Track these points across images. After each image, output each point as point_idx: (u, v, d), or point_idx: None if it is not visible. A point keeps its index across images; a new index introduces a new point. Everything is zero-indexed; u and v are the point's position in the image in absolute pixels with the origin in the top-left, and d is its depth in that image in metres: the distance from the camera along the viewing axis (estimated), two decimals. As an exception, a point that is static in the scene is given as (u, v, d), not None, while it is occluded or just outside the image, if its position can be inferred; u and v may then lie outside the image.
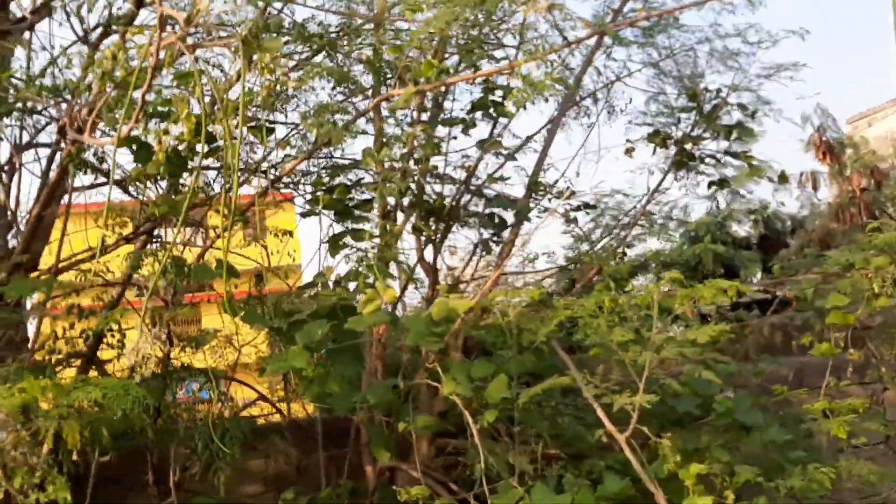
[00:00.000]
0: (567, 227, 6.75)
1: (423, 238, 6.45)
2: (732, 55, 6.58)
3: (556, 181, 7.20)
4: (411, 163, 6.55)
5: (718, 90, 6.80)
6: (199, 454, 4.66)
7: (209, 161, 5.12)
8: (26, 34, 6.13)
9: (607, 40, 7.85)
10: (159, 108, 4.61)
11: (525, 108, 8.42)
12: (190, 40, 4.26)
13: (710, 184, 7.05)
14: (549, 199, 7.06)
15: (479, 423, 4.49)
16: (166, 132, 3.64)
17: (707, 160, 6.96)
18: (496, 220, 6.55)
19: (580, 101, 8.32)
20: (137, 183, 5.46)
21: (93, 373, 5.52)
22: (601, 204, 8.36)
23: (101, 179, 6.54)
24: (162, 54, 4.35)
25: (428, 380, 4.85)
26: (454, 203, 6.44)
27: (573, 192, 7.15)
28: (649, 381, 4.67)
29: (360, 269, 5.45)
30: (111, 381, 3.99)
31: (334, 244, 5.61)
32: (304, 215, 5.79)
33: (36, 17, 5.88)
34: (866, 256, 5.12)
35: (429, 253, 7.05)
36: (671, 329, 4.28)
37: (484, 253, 6.71)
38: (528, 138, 7.28)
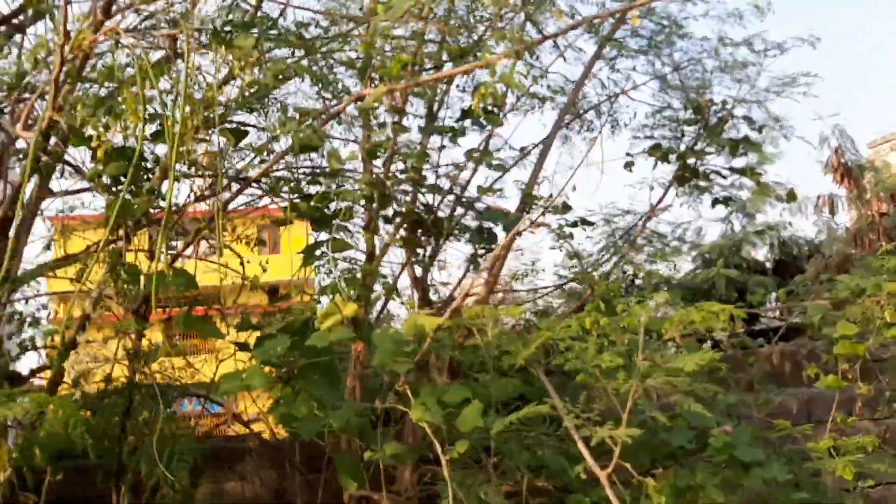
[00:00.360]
0: (556, 243, 6.36)
1: (412, 252, 6.12)
2: (740, 66, 6.20)
3: (552, 195, 6.87)
4: (396, 171, 6.28)
5: (724, 102, 6.43)
6: (144, 478, 4.31)
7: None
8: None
9: (611, 51, 7.55)
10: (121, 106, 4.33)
11: (518, 114, 8.25)
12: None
13: (715, 201, 6.66)
14: (544, 214, 6.71)
15: (448, 455, 4.11)
16: (107, 127, 3.33)
17: (711, 176, 6.57)
18: (486, 234, 6.20)
19: (582, 114, 8.00)
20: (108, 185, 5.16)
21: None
22: (604, 219, 8.06)
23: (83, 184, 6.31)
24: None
25: (397, 405, 4.48)
26: (442, 215, 6.11)
27: (568, 207, 6.79)
28: (637, 411, 4.30)
29: (339, 282, 5.12)
30: (41, 398, 3.65)
31: (309, 255, 5.26)
32: (277, 223, 5.46)
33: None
34: (878, 282, 4.71)
35: (419, 268, 6.78)
36: (665, 355, 3.89)
37: (473, 268, 6.35)
38: (523, 150, 6.95)
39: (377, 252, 6.29)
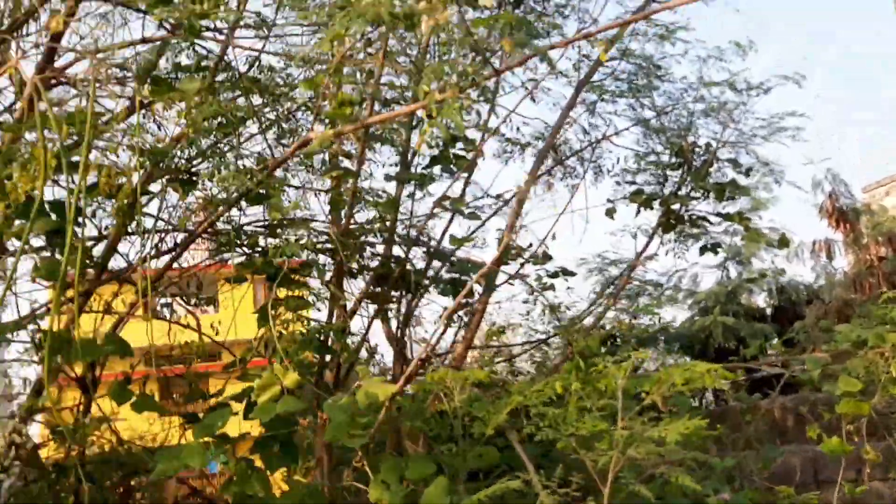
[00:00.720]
0: (531, 297, 5.97)
1: (381, 307, 5.73)
2: (723, 108, 5.89)
3: (531, 244, 6.50)
4: (366, 222, 5.94)
5: (708, 145, 6.11)
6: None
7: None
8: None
9: (590, 95, 7.28)
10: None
11: (500, 162, 7.95)
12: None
13: (703, 248, 6.29)
14: (522, 265, 6.34)
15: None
16: (9, 178, 2.97)
17: (699, 222, 6.21)
18: (461, 288, 5.81)
19: (564, 160, 7.70)
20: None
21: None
22: (589, 270, 7.68)
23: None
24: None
25: (354, 482, 4.04)
26: (417, 267, 5.74)
27: (548, 257, 6.42)
28: (625, 480, 3.85)
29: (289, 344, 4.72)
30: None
31: (263, 315, 4.86)
32: (231, 281, 5.07)
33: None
34: (881, 333, 4.31)
35: (394, 324, 6.38)
36: (648, 420, 3.47)
37: (446, 324, 5.94)
38: (499, 196, 6.61)
39: (347, 309, 5.93)
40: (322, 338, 5.09)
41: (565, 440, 3.56)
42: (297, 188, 5.62)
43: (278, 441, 4.52)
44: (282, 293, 5.02)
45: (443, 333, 6.37)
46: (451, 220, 6.60)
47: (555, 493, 3.67)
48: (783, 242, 6.00)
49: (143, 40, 5.06)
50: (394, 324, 6.25)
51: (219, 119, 4.44)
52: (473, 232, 6.71)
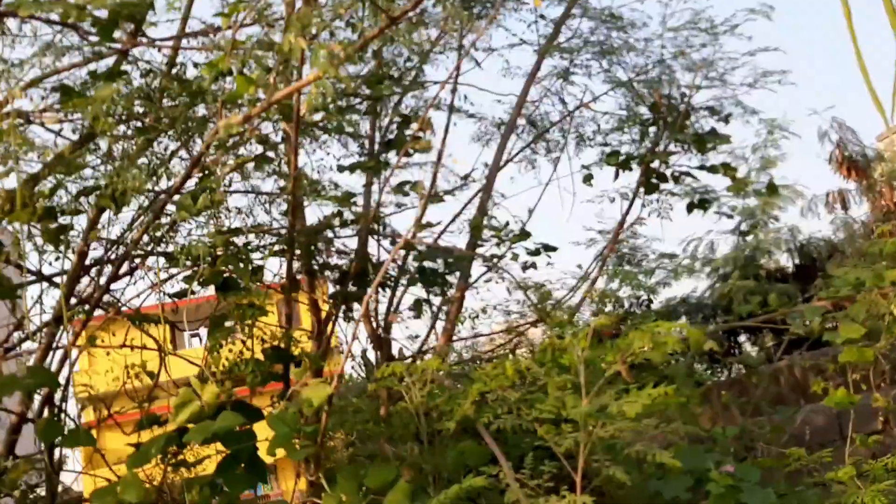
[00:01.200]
0: (496, 276, 5.58)
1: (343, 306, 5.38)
2: (690, 51, 5.46)
3: (507, 224, 6.11)
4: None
5: (682, 94, 5.68)
6: None
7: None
8: None
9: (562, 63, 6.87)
10: None
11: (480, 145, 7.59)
12: None
13: (690, 206, 5.87)
14: (500, 244, 5.95)
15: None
16: None
17: (681, 179, 5.79)
18: (432, 277, 5.45)
19: (542, 134, 7.31)
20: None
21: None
22: (574, 243, 7.27)
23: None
24: None
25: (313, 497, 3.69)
26: (371, 261, 5.38)
27: (527, 234, 6.02)
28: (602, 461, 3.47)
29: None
30: None
31: (216, 328, 4.54)
32: (174, 296, 4.75)
33: None
34: (879, 271, 3.89)
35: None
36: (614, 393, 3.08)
37: (416, 315, 5.59)
38: (465, 177, 6.24)
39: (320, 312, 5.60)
40: (280, 346, 4.75)
41: (529, 424, 3.18)
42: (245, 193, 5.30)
43: (242, 460, 4.19)
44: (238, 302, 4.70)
45: (430, 332, 6.04)
46: (423, 208, 6.26)
47: (524, 485, 3.30)
48: (771, 189, 5.56)
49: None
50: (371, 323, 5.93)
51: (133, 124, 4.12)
52: (455, 218, 6.37)
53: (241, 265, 4.04)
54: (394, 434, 3.84)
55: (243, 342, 4.62)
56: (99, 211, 4.52)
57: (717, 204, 6.21)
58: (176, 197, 4.26)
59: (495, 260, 5.83)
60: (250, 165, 5.05)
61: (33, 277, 4.74)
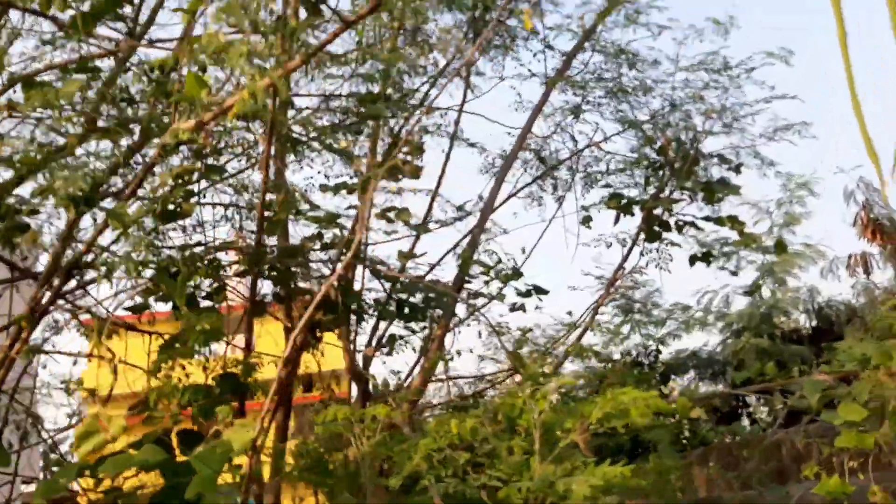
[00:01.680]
0: (474, 317, 5.22)
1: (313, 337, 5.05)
2: (704, 93, 5.12)
3: (500, 261, 5.77)
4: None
5: (693, 139, 5.34)
6: None
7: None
8: None
9: (572, 98, 6.57)
10: None
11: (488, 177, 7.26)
12: None
13: (693, 258, 5.49)
14: (488, 283, 5.61)
15: None
16: None
17: (685, 228, 5.43)
18: (409, 311, 5.10)
19: (552, 170, 6.99)
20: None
21: None
22: (572, 287, 6.90)
23: None
24: None
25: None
26: (348, 289, 5.05)
27: (519, 273, 5.68)
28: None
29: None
30: None
31: (166, 350, 4.22)
32: (132, 310, 4.45)
33: None
34: (887, 349, 3.50)
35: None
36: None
37: (387, 352, 5.24)
38: (460, 208, 5.93)
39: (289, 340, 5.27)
40: (235, 373, 4.42)
41: (473, 493, 2.82)
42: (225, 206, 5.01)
43: (179, 495, 3.86)
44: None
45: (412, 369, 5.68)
46: (416, 239, 5.95)
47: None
48: (780, 247, 5.19)
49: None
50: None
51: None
52: (450, 251, 6.06)
53: (174, 283, 3.71)
54: (335, 485, 3.49)
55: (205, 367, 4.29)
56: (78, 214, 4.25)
57: (731, 258, 5.86)
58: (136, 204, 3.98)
59: (483, 298, 5.50)
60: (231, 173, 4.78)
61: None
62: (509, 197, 6.74)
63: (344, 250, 4.74)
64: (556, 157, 6.94)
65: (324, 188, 5.10)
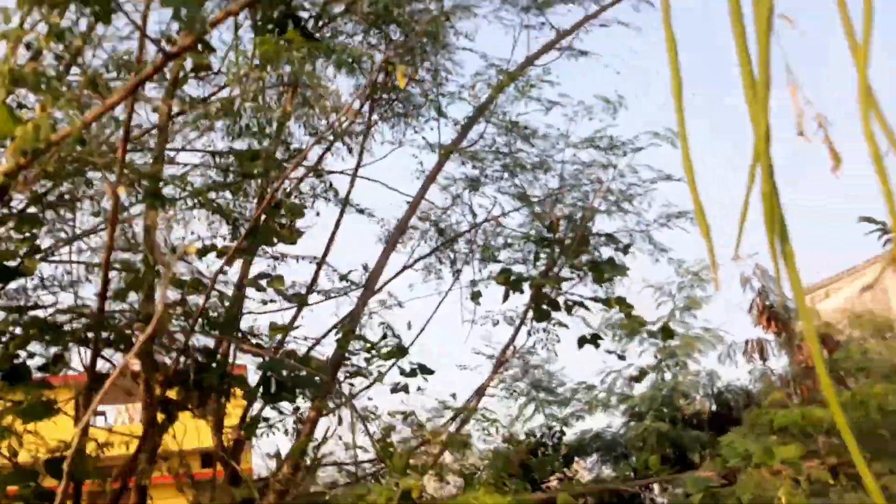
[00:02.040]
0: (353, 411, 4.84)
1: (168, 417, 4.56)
2: (591, 169, 5.02)
3: (385, 337, 5.45)
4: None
5: (584, 216, 5.20)
6: None
7: None
8: None
9: (470, 169, 6.42)
10: None
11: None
12: None
13: (582, 340, 5.29)
14: (368, 361, 5.25)
15: None
16: None
17: (575, 308, 5.24)
18: (273, 391, 4.68)
19: (450, 242, 6.77)
20: None
21: None
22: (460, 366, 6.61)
23: None
24: None
25: None
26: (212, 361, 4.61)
27: (404, 351, 5.35)
28: None
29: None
30: None
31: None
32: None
33: None
34: (769, 445, 3.30)
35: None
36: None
37: (245, 437, 4.78)
38: (344, 277, 5.61)
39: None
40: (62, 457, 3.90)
41: None
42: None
43: None
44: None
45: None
46: (298, 310, 5.57)
47: None
48: (666, 333, 5.04)
49: None
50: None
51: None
52: (336, 326, 5.68)
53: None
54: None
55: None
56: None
57: (623, 341, 5.69)
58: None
59: (361, 377, 5.13)
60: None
61: None
62: (404, 268, 6.48)
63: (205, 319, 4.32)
64: (455, 228, 6.76)
65: (199, 252, 4.70)
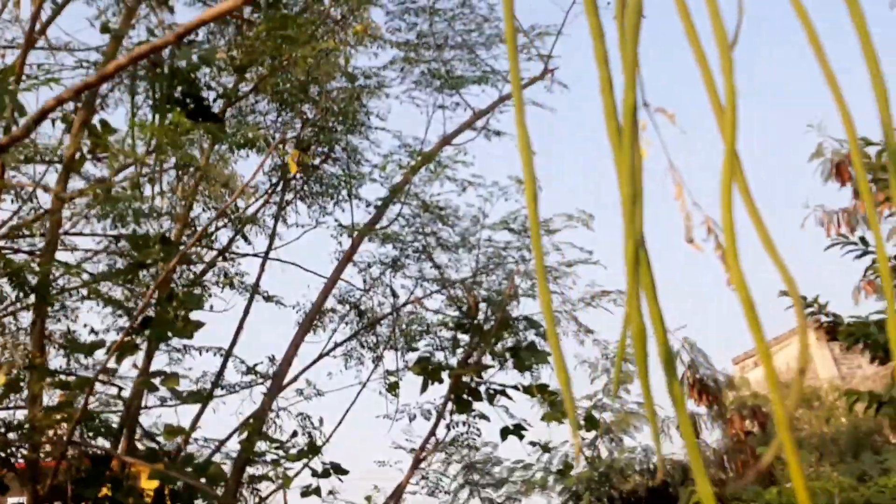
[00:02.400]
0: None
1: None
2: (505, 253, 4.84)
3: (296, 433, 5.08)
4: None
5: (502, 300, 4.99)
6: None
7: None
8: None
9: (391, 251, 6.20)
10: None
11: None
12: None
13: (504, 431, 5.01)
14: (276, 463, 4.85)
15: None
16: None
17: (497, 398, 4.97)
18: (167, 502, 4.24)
19: (371, 326, 6.48)
20: None
21: None
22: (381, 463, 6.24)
23: None
24: None
25: None
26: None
27: (317, 449, 4.97)
28: None
29: None
30: None
31: None
32: None
33: None
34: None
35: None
36: None
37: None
38: (251, 369, 5.25)
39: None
40: None
41: None
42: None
43: None
44: None
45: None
46: (202, 409, 5.17)
47: None
48: (591, 423, 4.81)
49: None
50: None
51: None
52: (241, 425, 5.28)
53: None
54: None
55: None
56: None
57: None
58: None
59: (268, 481, 4.73)
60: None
61: None
62: (320, 356, 6.15)
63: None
64: (377, 311, 6.48)
65: (73, 347, 4.30)
